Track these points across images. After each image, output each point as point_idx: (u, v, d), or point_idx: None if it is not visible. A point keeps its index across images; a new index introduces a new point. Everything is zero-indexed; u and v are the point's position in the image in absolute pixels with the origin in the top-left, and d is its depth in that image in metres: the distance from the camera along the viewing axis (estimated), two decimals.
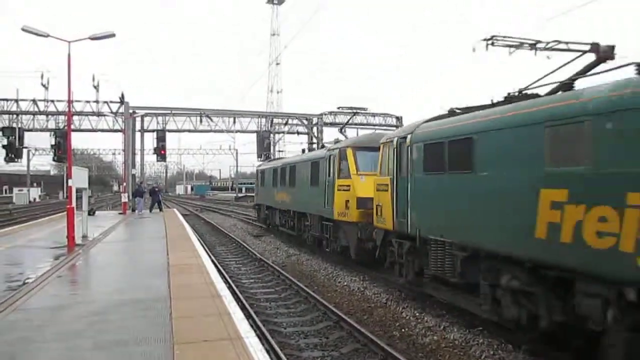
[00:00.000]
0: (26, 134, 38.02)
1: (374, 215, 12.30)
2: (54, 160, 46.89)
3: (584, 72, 7.43)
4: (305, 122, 40.50)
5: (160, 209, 32.17)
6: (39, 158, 72.77)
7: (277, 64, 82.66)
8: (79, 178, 16.28)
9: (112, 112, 36.74)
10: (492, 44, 8.43)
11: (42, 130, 38.86)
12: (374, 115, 45.40)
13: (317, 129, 38.57)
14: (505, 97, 8.47)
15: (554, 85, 7.69)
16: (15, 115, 36.89)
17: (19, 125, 36.66)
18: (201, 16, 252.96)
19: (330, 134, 47.17)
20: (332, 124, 43.53)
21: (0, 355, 5.42)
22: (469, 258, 8.42)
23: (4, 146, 36.94)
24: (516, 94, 8.30)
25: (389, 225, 11.27)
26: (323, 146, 20.30)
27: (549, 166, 6.47)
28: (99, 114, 37.40)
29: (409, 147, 10.29)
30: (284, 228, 22.32)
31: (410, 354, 7.98)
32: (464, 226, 8.51)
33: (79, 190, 16.89)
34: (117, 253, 14.44)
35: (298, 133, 43.31)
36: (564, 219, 6.18)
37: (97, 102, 36.54)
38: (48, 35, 15.44)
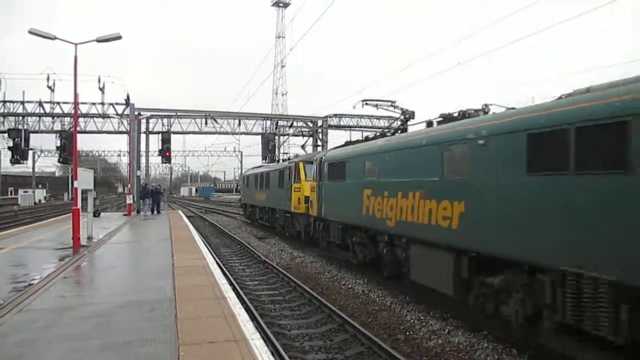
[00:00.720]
0: (32, 136, 38.16)
1: (310, 207, 18.42)
2: (59, 161, 47.12)
3: (403, 124, 14.75)
4: (310, 124, 40.52)
5: (158, 212, 32.11)
6: (44, 160, 73.20)
7: (282, 66, 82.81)
8: (85, 180, 16.35)
9: (117, 114, 36.86)
10: (366, 103, 15.17)
11: (47, 132, 38.99)
12: (379, 118, 45.42)
13: (322, 131, 38.56)
14: (358, 140, 16.73)
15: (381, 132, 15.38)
16: (21, 117, 37.03)
17: (25, 127, 36.79)
18: (207, 18, 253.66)
19: (335, 136, 47.22)
20: (337, 127, 43.57)
21: (6, 356, 5.45)
22: (343, 229, 15.05)
23: (9, 148, 37.09)
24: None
25: (316, 213, 17.31)
26: (288, 159, 25.93)
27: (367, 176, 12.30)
28: (104, 116, 37.53)
29: (322, 164, 16.49)
30: (262, 221, 28.46)
31: (414, 358, 7.98)
32: (342, 212, 14.84)
33: (84, 192, 16.94)
34: (123, 254, 14.46)
35: (303, 135, 43.33)
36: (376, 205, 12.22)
37: (102, 104, 36.66)
38: (55, 38, 15.51)
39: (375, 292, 12.24)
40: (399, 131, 14.14)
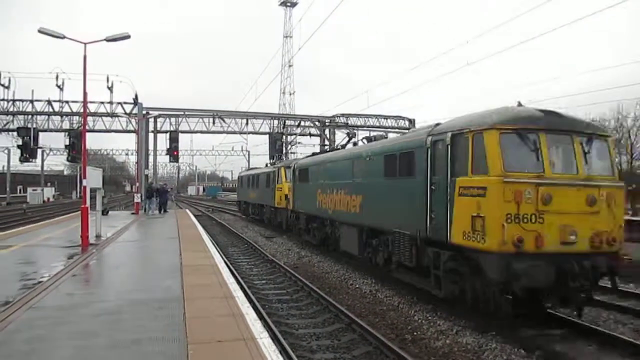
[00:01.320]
0: (41, 134, 38.40)
1: (288, 203, 23.59)
2: (67, 160, 47.38)
3: (348, 142, 19.65)
4: (318, 124, 40.53)
5: (165, 210, 32.17)
6: (53, 158, 73.46)
7: (290, 66, 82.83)
8: (93, 178, 16.43)
9: (125, 113, 37.03)
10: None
11: (56, 130, 39.26)
12: (386, 117, 45.37)
13: (330, 130, 38.55)
14: (321, 151, 23.95)
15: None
16: (30, 116, 37.29)
17: (34, 126, 37.04)
18: (214, 17, 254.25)
19: (343, 136, 47.20)
20: (344, 126, 43.58)
21: (17, 352, 5.48)
22: (307, 218, 20.07)
23: (19, 146, 37.34)
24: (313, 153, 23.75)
25: (292, 207, 22.41)
26: (273, 164, 32.41)
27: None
28: (112, 115, 37.73)
29: (294, 170, 21.78)
30: (254, 215, 34.25)
31: (422, 358, 7.96)
32: (306, 206, 19.74)
33: (92, 190, 17.02)
34: (131, 253, 14.52)
35: (310, 135, 43.35)
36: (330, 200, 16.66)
37: (111, 103, 36.89)
38: (64, 37, 15.57)
39: (383, 292, 12.23)
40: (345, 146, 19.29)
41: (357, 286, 13.05)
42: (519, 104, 9.44)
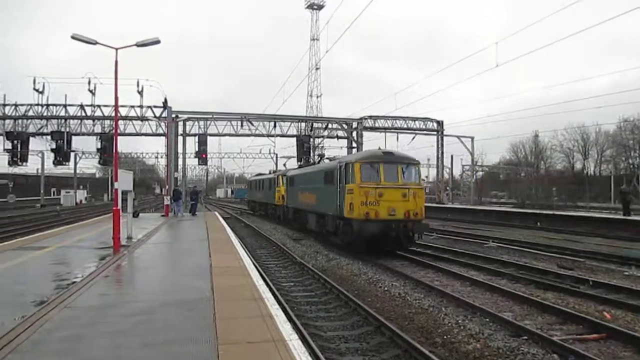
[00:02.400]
0: (73, 138, 39.22)
1: (283, 201, 31.43)
2: (99, 163, 48.37)
3: (320, 159, 32.25)
4: (345, 126, 40.47)
5: (194, 213, 32.48)
6: (85, 161, 74.74)
7: (317, 68, 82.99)
8: (125, 181, 16.66)
9: (155, 117, 37.58)
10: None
11: (88, 134, 40.05)
12: (414, 119, 45.07)
13: (357, 133, 38.46)
14: (305, 164, 35.00)
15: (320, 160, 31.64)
16: (63, 120, 38.14)
17: (67, 130, 37.88)
18: (242, 19, 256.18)
19: (370, 138, 47.05)
20: (372, 129, 43.42)
21: (52, 351, 5.59)
22: (294, 211, 28.35)
23: (52, 149, 38.30)
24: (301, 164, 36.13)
25: (285, 204, 30.54)
26: (274, 172, 40.81)
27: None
28: (142, 119, 38.35)
29: (285, 178, 31.04)
30: (260, 211, 43.21)
31: None
32: (293, 203, 28.38)
33: (124, 193, 17.25)
34: (161, 254, 14.71)
35: (338, 137, 43.34)
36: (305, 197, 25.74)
37: (141, 106, 37.53)
38: (96, 43, 15.83)
39: (412, 295, 12.13)
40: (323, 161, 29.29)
41: (385, 289, 12.97)
42: (379, 148, 20.97)
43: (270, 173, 42.46)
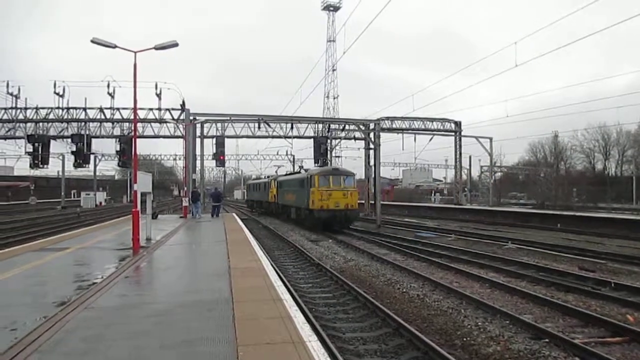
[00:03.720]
0: (93, 141, 39.59)
1: (274, 199, 42.41)
2: (118, 165, 48.73)
3: (300, 169, 42.18)
4: (362, 127, 40.38)
5: (217, 215, 32.56)
6: (105, 163, 75.65)
7: (334, 70, 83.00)
8: (144, 183, 16.79)
9: (173, 119, 37.82)
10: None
11: (107, 136, 40.39)
12: (432, 120, 44.82)
13: (375, 134, 38.35)
14: (289, 173, 46.34)
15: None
16: (83, 123, 38.53)
17: (87, 133, 38.26)
18: (259, 23, 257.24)
19: (388, 139, 46.91)
20: (389, 130, 43.24)
21: (74, 351, 5.64)
22: (282, 206, 39.69)
23: (73, 152, 38.66)
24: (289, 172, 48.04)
25: (275, 201, 42.32)
26: (267, 177, 51.38)
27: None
28: (161, 121, 38.59)
29: (276, 182, 42.27)
30: (257, 208, 53.64)
31: None
32: (281, 200, 39.87)
33: (143, 195, 17.38)
34: (180, 255, 14.78)
35: (355, 139, 43.21)
36: (291, 196, 36.42)
37: (159, 109, 37.74)
38: (115, 46, 15.97)
39: (431, 296, 12.07)
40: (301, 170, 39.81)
41: (404, 290, 12.91)
42: (334, 165, 39.76)
43: (265, 178, 54.66)
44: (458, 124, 46.25)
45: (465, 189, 59.89)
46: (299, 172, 37.42)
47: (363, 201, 46.78)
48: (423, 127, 44.75)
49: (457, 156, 47.61)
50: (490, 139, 53.49)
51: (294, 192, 34.19)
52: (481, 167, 67.02)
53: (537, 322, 9.55)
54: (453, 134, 46.52)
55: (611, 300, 11.35)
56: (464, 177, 60.02)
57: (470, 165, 63.58)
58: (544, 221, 31.74)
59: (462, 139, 47.43)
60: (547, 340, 8.50)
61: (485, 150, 53.62)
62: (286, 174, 43.91)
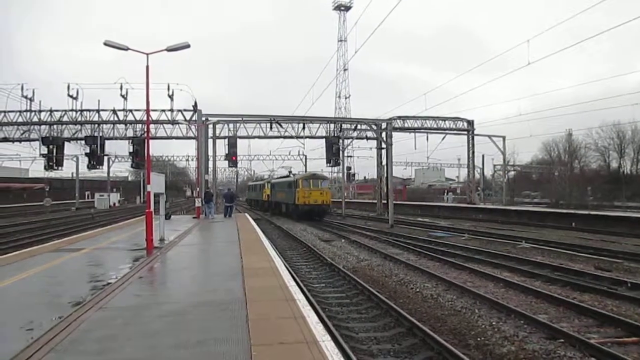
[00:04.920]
0: (106, 142, 39.92)
1: (269, 198, 52.37)
2: (131, 166, 49.09)
3: (288, 174, 51.56)
4: (374, 127, 40.30)
5: (230, 215, 32.59)
6: (118, 165, 76.18)
7: (345, 69, 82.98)
8: (157, 184, 16.89)
9: (185, 120, 38.03)
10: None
11: (121, 138, 40.71)
12: (444, 119, 44.64)
13: (387, 134, 38.26)
14: (279, 177, 57.17)
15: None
16: (96, 125, 38.85)
17: (100, 134, 38.58)
18: (269, 24, 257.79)
19: (400, 138, 46.72)
20: (401, 129, 43.13)
21: (89, 351, 5.68)
22: (275, 204, 49.31)
23: (86, 154, 39.05)
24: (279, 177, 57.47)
25: (269, 200, 52.44)
26: (262, 178, 75.11)
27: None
28: (173, 122, 38.82)
29: (270, 184, 53.41)
30: (255, 206, 64.87)
31: None
32: (274, 198, 49.70)
33: (156, 195, 17.47)
34: (193, 256, 14.85)
35: (367, 138, 43.15)
36: (280, 195, 47.34)
37: (171, 110, 37.93)
38: (128, 49, 16.08)
39: (445, 296, 12.01)
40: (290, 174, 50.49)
41: (417, 290, 12.87)
42: (313, 172, 49.00)
43: (261, 180, 71.25)
44: (471, 123, 46.02)
45: (479, 188, 59.58)
46: (288, 177, 47.48)
47: (375, 200, 46.75)
48: (435, 126, 44.62)
49: (470, 155, 47.39)
50: (503, 137, 53.11)
51: (284, 191, 44.43)
52: (494, 165, 66.65)
53: (552, 322, 9.46)
54: (466, 132, 46.32)
55: (627, 300, 11.22)
56: (477, 176, 59.64)
57: (483, 164, 63.26)
58: (559, 220, 31.47)
59: (475, 137, 47.22)
60: (562, 340, 8.42)
61: (498, 149, 53.22)
62: (277, 178, 55.18)
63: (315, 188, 39.15)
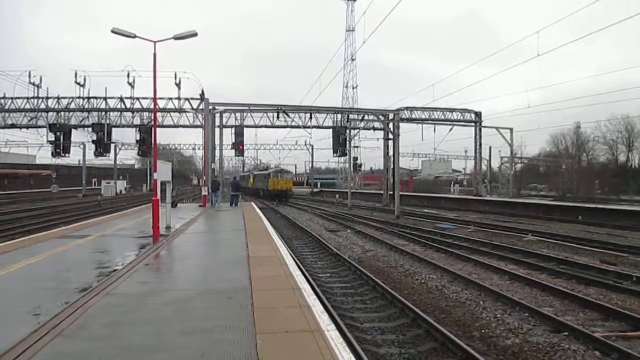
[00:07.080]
0: (113, 130, 40.00)
1: (252, 185, 72.15)
2: (138, 154, 49.25)
3: (266, 168, 75.67)
4: (382, 118, 40.17)
5: (236, 204, 32.60)
6: (125, 152, 76.39)
7: (353, 59, 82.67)
8: (164, 172, 16.89)
9: (192, 109, 38.04)
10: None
11: (128, 126, 40.82)
12: (452, 110, 44.44)
13: (394, 124, 38.13)
14: (259, 169, 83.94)
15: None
16: (103, 112, 38.96)
17: (107, 122, 38.69)
18: (277, 13, 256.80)
19: (407, 129, 46.64)
20: (408, 120, 42.99)
21: (96, 336, 5.72)
22: (256, 190, 67.70)
23: (93, 141, 39.17)
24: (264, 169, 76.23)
25: (252, 187, 71.33)
26: (249, 170, 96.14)
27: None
28: (180, 111, 38.86)
29: (253, 175, 77.02)
30: (249, 194, 67.58)
31: (490, 356, 7.76)
32: (256, 186, 68.37)
33: (162, 183, 17.49)
34: (199, 244, 14.89)
35: (374, 129, 43.06)
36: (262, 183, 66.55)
37: (179, 98, 38.01)
38: (135, 36, 16.02)
39: (450, 288, 12.03)
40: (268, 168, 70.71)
41: (422, 281, 12.89)
42: (280, 167, 66.69)
43: (248, 171, 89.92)
44: (478, 115, 45.83)
45: (485, 180, 59.38)
46: (265, 170, 67.17)
47: (382, 191, 46.60)
48: (443, 117, 44.47)
49: (477, 147, 47.24)
50: (511, 129, 52.76)
51: (261, 181, 63.50)
52: (501, 158, 66.23)
53: (557, 315, 9.47)
54: (473, 124, 46.14)
55: (633, 293, 11.21)
56: (484, 168, 59.38)
57: (490, 156, 62.96)
58: (565, 213, 31.35)
59: (482, 129, 47.03)
60: (566, 333, 8.43)
61: (505, 141, 52.86)
62: (258, 171, 76.68)
63: (282, 178, 58.27)
